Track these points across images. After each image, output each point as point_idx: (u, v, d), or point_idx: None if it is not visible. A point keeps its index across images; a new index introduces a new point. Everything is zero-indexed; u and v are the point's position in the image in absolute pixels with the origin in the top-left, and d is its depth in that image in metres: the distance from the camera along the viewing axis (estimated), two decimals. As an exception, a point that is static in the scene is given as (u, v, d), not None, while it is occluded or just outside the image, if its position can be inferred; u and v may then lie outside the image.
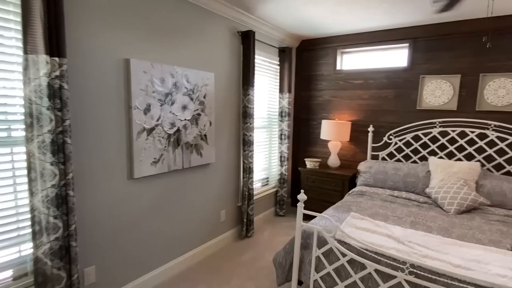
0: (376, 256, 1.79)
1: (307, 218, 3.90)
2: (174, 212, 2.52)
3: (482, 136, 3.01)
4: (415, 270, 1.64)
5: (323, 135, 3.77)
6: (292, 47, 4.03)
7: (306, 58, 4.11)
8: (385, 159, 3.55)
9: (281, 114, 3.88)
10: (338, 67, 3.88)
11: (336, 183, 3.57)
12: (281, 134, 3.90)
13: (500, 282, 1.43)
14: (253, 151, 3.17)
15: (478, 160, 3.02)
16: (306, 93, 4.16)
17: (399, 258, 1.68)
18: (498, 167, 2.96)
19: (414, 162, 3.36)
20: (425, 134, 3.31)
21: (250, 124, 3.10)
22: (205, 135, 2.70)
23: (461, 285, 1.54)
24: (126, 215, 2.14)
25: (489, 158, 3.00)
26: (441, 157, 3.20)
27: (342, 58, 3.94)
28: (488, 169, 2.97)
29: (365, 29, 3.47)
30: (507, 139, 2.89)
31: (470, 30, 3.01)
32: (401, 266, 1.69)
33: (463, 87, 3.11)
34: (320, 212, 3.73)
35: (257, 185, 3.72)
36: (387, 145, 3.56)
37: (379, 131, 3.62)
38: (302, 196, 2.01)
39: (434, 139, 3.26)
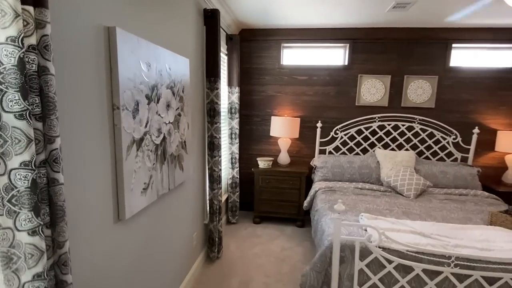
0: (417, 255, 1.80)
1: (263, 221, 3.62)
2: (160, 252, 1.79)
3: (409, 128, 3.58)
4: (459, 262, 1.73)
5: (273, 132, 3.60)
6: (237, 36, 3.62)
7: (246, 49, 3.79)
8: (332, 153, 3.73)
9: (230, 111, 3.44)
10: (281, 62, 3.76)
11: (293, 181, 3.48)
12: (231, 133, 3.47)
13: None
14: (221, 156, 2.66)
15: (407, 149, 3.59)
16: (248, 87, 3.85)
17: (442, 253, 1.73)
18: (420, 153, 3.60)
19: (357, 154, 3.67)
20: (367, 128, 3.66)
21: (219, 124, 2.58)
22: (184, 142, 2.03)
23: (495, 266, 1.73)
24: (114, 278, 1.34)
25: (412, 147, 3.61)
26: (379, 148, 3.62)
27: (283, 52, 3.83)
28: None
29: (311, 25, 3.47)
30: (427, 130, 3.55)
31: (397, 37, 3.48)
32: (445, 260, 1.75)
33: (392, 86, 3.59)
34: (277, 213, 3.59)
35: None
36: (333, 139, 3.74)
37: (324, 126, 3.76)
38: (340, 207, 1.80)
39: (373, 132, 3.65)
